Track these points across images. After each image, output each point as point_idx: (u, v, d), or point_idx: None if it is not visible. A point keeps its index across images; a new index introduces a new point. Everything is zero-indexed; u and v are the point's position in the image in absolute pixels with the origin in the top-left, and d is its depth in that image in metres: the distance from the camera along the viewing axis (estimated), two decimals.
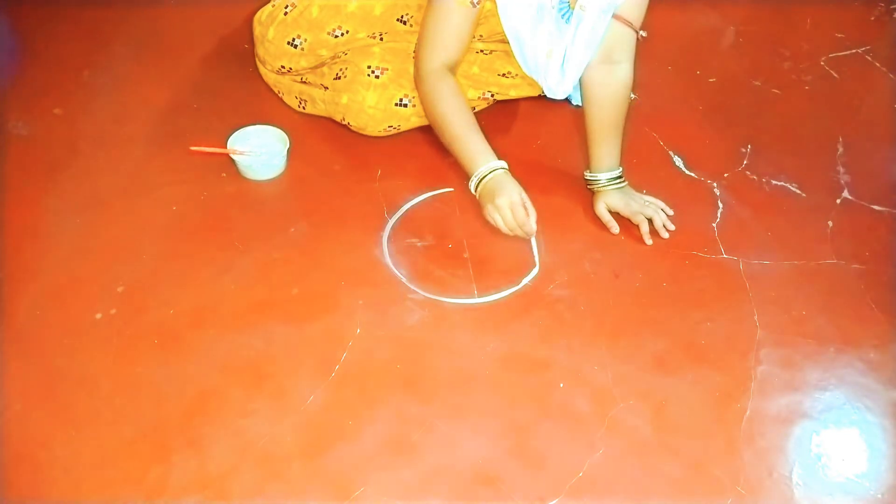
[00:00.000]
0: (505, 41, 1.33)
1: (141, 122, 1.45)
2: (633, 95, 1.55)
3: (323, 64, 1.40)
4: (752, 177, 1.44)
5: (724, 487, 1.02)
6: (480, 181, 1.18)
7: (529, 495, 0.99)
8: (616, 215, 1.33)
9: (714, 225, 1.35)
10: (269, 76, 1.49)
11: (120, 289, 1.18)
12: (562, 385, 1.11)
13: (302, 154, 1.39)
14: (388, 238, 1.28)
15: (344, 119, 1.40)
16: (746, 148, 1.50)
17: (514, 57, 1.36)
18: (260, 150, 1.36)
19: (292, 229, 1.28)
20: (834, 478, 1.04)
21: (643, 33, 1.27)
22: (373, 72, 1.35)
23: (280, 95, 1.50)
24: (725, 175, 1.44)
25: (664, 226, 1.31)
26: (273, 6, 1.43)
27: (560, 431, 1.06)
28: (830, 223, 1.37)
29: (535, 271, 1.24)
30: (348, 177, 1.38)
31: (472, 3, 1.20)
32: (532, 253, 1.27)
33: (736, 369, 1.14)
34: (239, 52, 1.59)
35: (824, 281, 1.27)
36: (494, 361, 1.13)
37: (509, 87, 1.45)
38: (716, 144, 1.51)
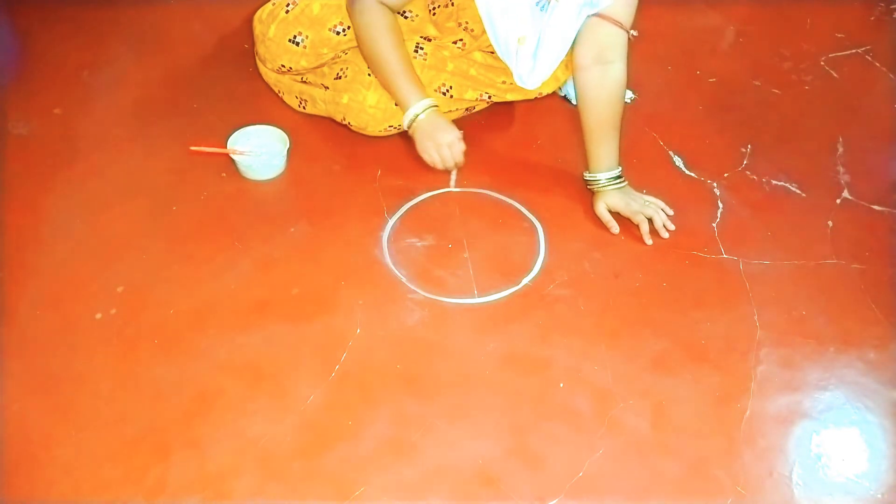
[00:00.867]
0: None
1: (141, 122, 1.45)
2: (633, 95, 1.56)
3: (323, 64, 1.40)
4: (752, 177, 1.44)
5: (724, 487, 1.02)
6: (415, 117, 1.27)
7: (529, 495, 0.99)
8: (616, 215, 1.33)
9: (714, 225, 1.35)
10: (270, 75, 1.49)
11: (120, 289, 1.18)
12: (562, 385, 1.11)
13: (302, 154, 1.39)
14: (388, 238, 1.28)
15: (344, 119, 1.40)
16: (746, 148, 1.50)
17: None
18: (260, 150, 1.36)
19: (292, 229, 1.28)
20: (834, 478, 1.04)
21: (634, 33, 1.27)
22: None
23: (280, 95, 1.50)
24: (725, 175, 1.44)
25: (664, 226, 1.31)
26: (273, 4, 1.43)
27: (560, 431, 1.06)
28: (830, 223, 1.37)
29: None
30: (348, 177, 1.38)
31: None
32: (451, 180, 1.36)
33: (736, 369, 1.14)
34: (239, 51, 1.59)
35: (824, 281, 1.27)
36: (494, 361, 1.13)
37: (506, 91, 1.45)
38: (716, 144, 1.51)
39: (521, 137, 1.49)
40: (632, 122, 1.36)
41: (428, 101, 1.27)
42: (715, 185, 1.42)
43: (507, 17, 1.27)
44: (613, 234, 1.31)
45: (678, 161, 1.46)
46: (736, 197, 1.40)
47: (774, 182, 1.44)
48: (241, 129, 1.37)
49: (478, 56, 1.41)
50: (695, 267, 1.28)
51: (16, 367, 1.08)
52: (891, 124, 1.61)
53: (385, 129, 1.39)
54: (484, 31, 1.32)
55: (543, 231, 1.31)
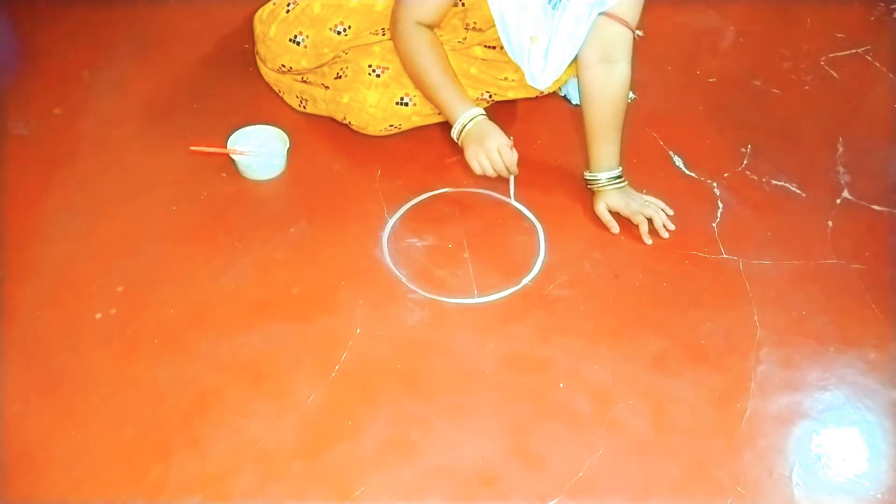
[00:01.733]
0: (503, 47, 1.33)
1: (141, 122, 1.45)
2: (633, 95, 1.55)
3: (324, 64, 1.40)
4: (752, 177, 1.44)
5: (724, 487, 1.02)
6: (463, 128, 1.25)
7: (529, 495, 0.99)
8: (616, 215, 1.33)
9: (714, 225, 1.35)
10: (270, 75, 1.49)
11: (120, 289, 1.18)
12: (562, 385, 1.11)
13: (302, 154, 1.39)
14: (388, 238, 1.28)
15: (345, 118, 1.40)
16: (746, 148, 1.50)
17: (512, 63, 1.36)
18: (260, 150, 1.36)
19: (292, 229, 1.28)
20: (834, 478, 1.04)
21: (639, 33, 1.27)
22: (374, 71, 1.35)
23: (280, 95, 1.50)
24: (725, 175, 1.44)
25: (664, 226, 1.31)
26: (274, 4, 1.43)
27: (560, 431, 1.06)
28: (830, 223, 1.37)
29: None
30: (348, 177, 1.38)
31: None
32: (510, 190, 1.33)
33: (736, 369, 1.14)
34: (239, 51, 1.59)
35: (824, 281, 1.27)
36: (494, 361, 1.13)
37: (507, 89, 1.45)
38: (716, 144, 1.51)
39: (521, 137, 1.48)
40: (632, 122, 1.36)
41: (476, 111, 1.26)
42: (715, 185, 1.42)
43: (520, 16, 1.28)
44: (613, 234, 1.31)
45: (678, 161, 1.46)
46: (736, 197, 1.40)
47: (774, 182, 1.44)
48: (241, 129, 1.37)
49: (478, 51, 1.41)
50: (695, 267, 1.28)
51: (16, 367, 1.08)
52: (891, 124, 1.61)
53: (385, 129, 1.39)
54: (491, 26, 1.32)
55: (543, 231, 1.31)
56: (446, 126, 1.45)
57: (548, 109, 1.54)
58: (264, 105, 1.49)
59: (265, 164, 1.35)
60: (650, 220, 1.31)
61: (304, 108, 1.47)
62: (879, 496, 1.03)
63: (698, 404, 1.10)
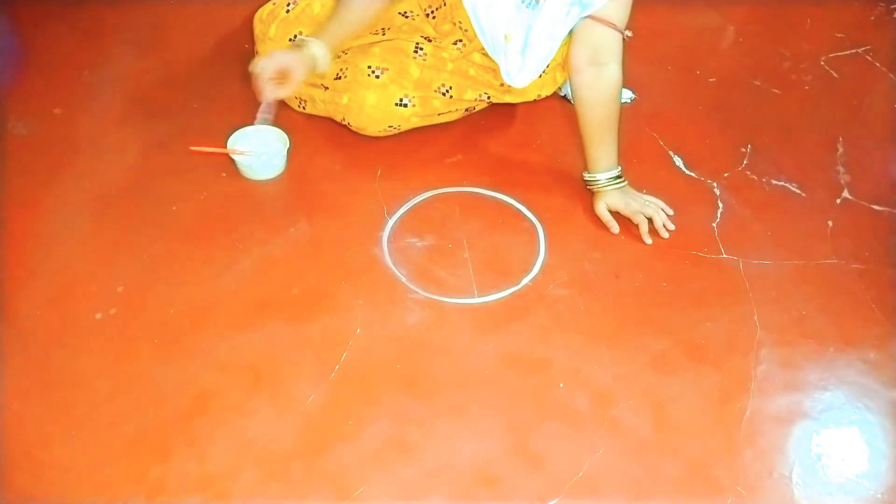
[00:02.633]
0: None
1: (141, 122, 1.45)
2: (633, 95, 1.56)
3: None
4: (752, 177, 1.44)
5: (724, 487, 1.02)
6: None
7: (529, 495, 0.99)
8: (616, 215, 1.33)
9: (714, 225, 1.35)
10: None
11: (120, 289, 1.18)
12: (562, 385, 1.11)
13: (302, 154, 1.39)
14: (388, 238, 1.28)
15: (344, 119, 1.40)
16: (746, 148, 1.50)
17: None
18: (260, 150, 1.36)
19: (292, 229, 1.28)
20: (834, 478, 1.04)
21: (628, 33, 1.27)
22: (373, 72, 1.35)
23: None
24: (725, 175, 1.44)
25: (664, 225, 1.31)
26: (274, 4, 1.43)
27: (560, 431, 1.06)
28: (830, 223, 1.37)
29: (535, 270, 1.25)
30: (348, 177, 1.38)
31: None
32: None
33: (736, 369, 1.14)
34: (239, 51, 1.59)
35: (824, 281, 1.27)
36: (494, 361, 1.13)
37: (503, 93, 1.45)
38: (716, 144, 1.51)
39: (521, 137, 1.49)
40: (632, 122, 1.36)
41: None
42: (715, 185, 1.42)
43: (491, 13, 1.27)
44: (613, 234, 1.31)
45: (678, 161, 1.46)
46: (736, 197, 1.40)
47: (774, 182, 1.44)
48: (241, 129, 1.37)
49: (476, 57, 1.41)
50: (695, 267, 1.28)
51: (16, 367, 1.08)
52: (891, 124, 1.61)
53: (384, 130, 1.39)
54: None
55: (543, 231, 1.31)
56: (446, 126, 1.46)
57: (547, 109, 1.54)
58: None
59: (265, 164, 1.35)
60: (650, 220, 1.31)
61: (304, 108, 1.47)
62: (879, 496, 1.03)
63: (698, 404, 1.10)
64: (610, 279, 1.25)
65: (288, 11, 1.38)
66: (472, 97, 1.43)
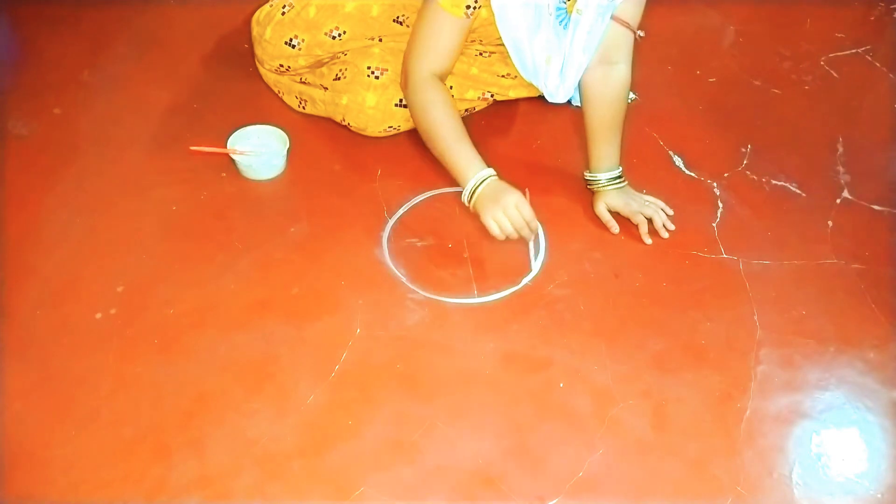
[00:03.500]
0: (503, 43, 1.33)
1: (141, 122, 1.45)
2: (633, 95, 1.55)
3: (321, 63, 1.40)
4: (752, 177, 1.44)
5: (724, 487, 1.02)
6: (474, 191, 1.16)
7: (529, 495, 0.99)
8: (616, 215, 1.33)
9: (714, 225, 1.35)
10: (269, 76, 1.49)
11: (120, 289, 1.18)
12: (562, 385, 1.11)
13: (302, 154, 1.39)
14: (388, 238, 1.28)
15: (344, 119, 1.40)
16: (746, 148, 1.50)
17: (510, 59, 1.36)
18: (260, 150, 1.36)
19: (292, 229, 1.28)
20: (834, 478, 1.04)
21: (641, 33, 1.27)
22: (373, 72, 1.35)
23: (280, 95, 1.50)
24: (725, 175, 1.44)
25: (664, 225, 1.31)
26: (271, 6, 1.43)
27: (560, 431, 1.06)
28: (830, 223, 1.37)
29: (531, 274, 1.24)
30: (348, 177, 1.38)
31: (465, 14, 1.17)
32: (529, 255, 1.26)
33: (736, 369, 1.14)
34: (239, 52, 1.59)
35: (824, 281, 1.27)
36: (494, 361, 1.13)
37: (508, 88, 1.45)
38: (716, 144, 1.51)
39: (521, 137, 1.49)
40: (632, 122, 1.36)
41: (489, 171, 1.17)
42: (715, 185, 1.42)
43: (532, 41, 1.26)
44: (613, 234, 1.31)
45: (678, 161, 1.46)
46: (736, 197, 1.40)
47: (774, 182, 1.44)
48: (241, 129, 1.37)
49: (477, 47, 1.40)
50: (695, 267, 1.28)
51: (16, 367, 1.08)
52: (891, 124, 1.61)
53: (384, 130, 1.39)
54: (494, 44, 1.32)
55: (543, 231, 1.31)
56: None
57: (548, 109, 1.53)
58: (264, 105, 1.49)
59: (265, 164, 1.35)
60: (650, 220, 1.31)
61: (304, 108, 1.47)
62: (879, 496, 1.03)
63: (698, 404, 1.10)
64: (610, 279, 1.25)
65: (284, 14, 1.38)
66: (475, 96, 1.43)
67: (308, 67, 1.41)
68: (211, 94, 1.51)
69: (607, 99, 1.29)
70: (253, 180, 1.36)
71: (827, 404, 1.12)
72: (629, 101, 1.55)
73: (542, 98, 1.48)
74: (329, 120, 1.44)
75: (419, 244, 1.28)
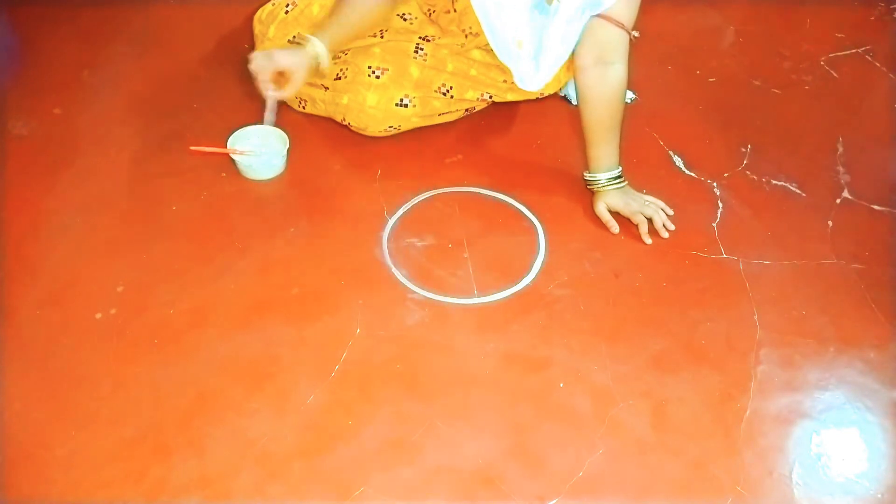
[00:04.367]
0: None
1: (141, 122, 1.45)
2: (633, 95, 1.55)
3: None
4: (752, 177, 1.44)
5: (724, 487, 1.02)
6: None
7: (529, 495, 0.99)
8: (616, 215, 1.33)
9: (714, 225, 1.35)
10: None
11: (120, 289, 1.18)
12: (562, 385, 1.11)
13: (302, 154, 1.39)
14: (388, 238, 1.28)
15: (344, 119, 1.40)
16: (746, 148, 1.50)
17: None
18: (260, 150, 1.36)
19: (292, 229, 1.28)
20: (834, 478, 1.04)
21: (636, 34, 1.27)
22: (373, 72, 1.35)
23: None
24: (725, 175, 1.44)
25: (664, 225, 1.31)
26: (273, 5, 1.43)
27: (560, 431, 1.06)
28: (830, 223, 1.37)
29: (531, 274, 1.25)
30: (348, 177, 1.38)
31: None
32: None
33: (736, 369, 1.14)
34: (239, 51, 1.59)
35: (824, 281, 1.27)
36: (494, 361, 1.13)
37: (507, 91, 1.45)
38: (716, 144, 1.51)
39: (521, 138, 1.49)
40: (632, 122, 1.36)
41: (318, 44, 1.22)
42: (715, 185, 1.42)
43: (503, 20, 1.27)
44: (613, 234, 1.31)
45: (678, 161, 1.46)
46: (736, 197, 1.40)
47: (774, 182, 1.44)
48: (241, 129, 1.37)
49: (476, 55, 1.41)
50: (695, 267, 1.28)
51: (16, 367, 1.08)
52: (891, 124, 1.61)
53: (385, 130, 1.39)
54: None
55: (543, 231, 1.31)
56: (446, 126, 1.46)
57: (548, 110, 1.54)
58: (264, 105, 1.48)
59: (265, 164, 1.35)
60: (650, 220, 1.31)
61: (304, 108, 1.47)
62: (879, 496, 1.03)
63: (698, 404, 1.10)
64: (610, 279, 1.25)
65: (287, 12, 1.38)
66: (474, 97, 1.43)
67: None
68: (211, 94, 1.51)
69: (605, 99, 1.29)
70: (253, 180, 1.36)
71: (827, 404, 1.12)
72: (629, 101, 1.55)
73: (542, 98, 1.49)
74: (329, 120, 1.44)
75: (419, 244, 1.28)
